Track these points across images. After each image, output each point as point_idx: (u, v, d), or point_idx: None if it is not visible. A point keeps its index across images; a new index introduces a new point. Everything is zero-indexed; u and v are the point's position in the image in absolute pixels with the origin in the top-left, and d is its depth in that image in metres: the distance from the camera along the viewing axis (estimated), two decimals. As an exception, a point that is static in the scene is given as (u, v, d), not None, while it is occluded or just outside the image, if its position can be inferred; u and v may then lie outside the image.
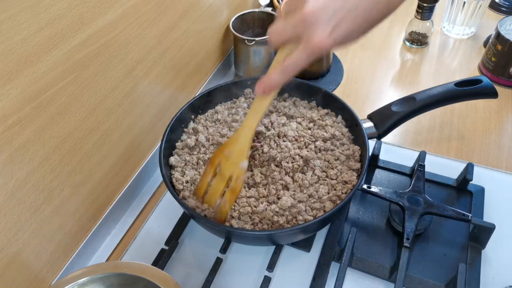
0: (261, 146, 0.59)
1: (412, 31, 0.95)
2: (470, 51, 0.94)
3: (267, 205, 0.54)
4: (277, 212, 0.53)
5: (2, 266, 0.47)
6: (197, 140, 0.62)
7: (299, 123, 0.64)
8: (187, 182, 0.58)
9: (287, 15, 0.39)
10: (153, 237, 0.63)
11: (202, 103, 0.67)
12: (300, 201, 0.54)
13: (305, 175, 0.57)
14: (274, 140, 0.61)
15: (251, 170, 0.58)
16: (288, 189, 0.56)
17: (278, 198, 0.55)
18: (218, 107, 0.68)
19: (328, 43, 0.37)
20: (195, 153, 0.62)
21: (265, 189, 0.56)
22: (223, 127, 0.65)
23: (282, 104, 0.68)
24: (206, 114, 0.68)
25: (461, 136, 0.76)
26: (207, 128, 0.65)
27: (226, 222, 0.53)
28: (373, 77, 0.89)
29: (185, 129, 0.65)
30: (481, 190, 0.65)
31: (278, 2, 0.96)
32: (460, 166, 0.66)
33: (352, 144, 0.62)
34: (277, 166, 0.58)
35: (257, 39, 0.80)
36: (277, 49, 0.45)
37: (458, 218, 0.57)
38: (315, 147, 0.60)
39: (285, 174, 0.57)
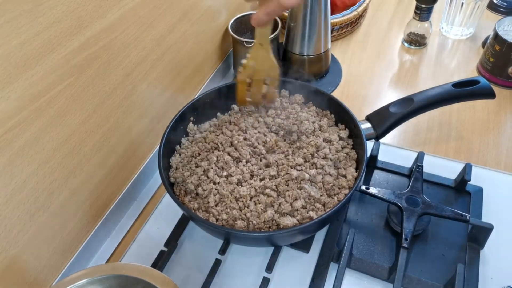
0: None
1: (410, 32, 0.95)
2: (468, 51, 0.95)
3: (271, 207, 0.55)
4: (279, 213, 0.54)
5: (1, 268, 0.47)
6: (197, 140, 0.63)
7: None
8: (184, 181, 0.58)
9: None
10: (152, 239, 0.63)
11: (201, 105, 0.68)
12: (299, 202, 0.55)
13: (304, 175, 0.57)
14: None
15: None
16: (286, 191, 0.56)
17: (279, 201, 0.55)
18: (218, 109, 0.69)
19: (296, 2, 0.49)
20: (196, 154, 0.62)
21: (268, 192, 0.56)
22: (225, 128, 0.65)
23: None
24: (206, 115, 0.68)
25: (459, 136, 0.76)
26: (207, 130, 0.65)
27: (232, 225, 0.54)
28: (371, 78, 0.89)
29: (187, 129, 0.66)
30: (480, 191, 0.65)
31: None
32: (459, 167, 0.66)
33: (350, 145, 0.62)
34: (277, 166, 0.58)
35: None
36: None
37: (456, 218, 0.57)
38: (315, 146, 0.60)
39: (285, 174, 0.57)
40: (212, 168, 0.59)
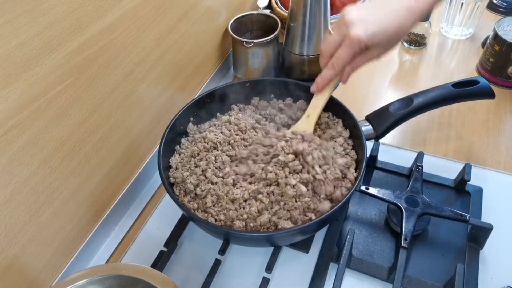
0: None
1: (410, 32, 0.95)
2: (468, 52, 0.95)
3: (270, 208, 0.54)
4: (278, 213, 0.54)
5: (1, 268, 0.47)
6: (203, 139, 0.63)
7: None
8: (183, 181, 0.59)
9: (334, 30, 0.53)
10: (152, 239, 0.63)
11: (201, 105, 0.68)
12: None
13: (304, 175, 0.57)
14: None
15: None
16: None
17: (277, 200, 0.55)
18: (218, 109, 0.69)
19: (362, 35, 0.49)
20: (195, 154, 0.62)
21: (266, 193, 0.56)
22: (225, 128, 0.65)
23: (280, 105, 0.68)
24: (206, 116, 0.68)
25: (459, 136, 0.76)
26: (207, 130, 0.65)
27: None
28: (371, 79, 0.89)
29: (187, 129, 0.66)
30: (479, 191, 0.65)
31: (277, 4, 0.96)
32: (458, 167, 0.66)
33: (350, 145, 0.63)
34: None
35: (255, 41, 0.80)
36: (325, 63, 0.56)
37: (456, 218, 0.57)
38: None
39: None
40: (210, 168, 0.59)
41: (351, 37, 0.49)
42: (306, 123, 0.61)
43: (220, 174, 0.58)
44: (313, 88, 0.58)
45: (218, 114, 0.69)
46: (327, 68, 0.55)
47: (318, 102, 0.61)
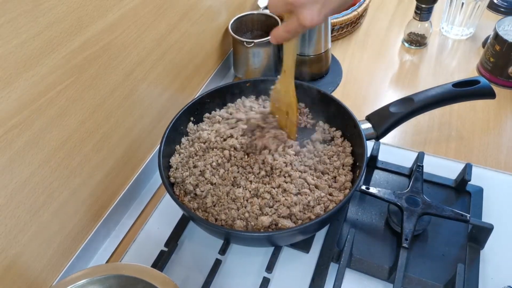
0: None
1: (410, 32, 0.95)
2: (468, 51, 0.95)
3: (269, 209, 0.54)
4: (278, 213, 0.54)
5: (2, 268, 0.47)
6: (199, 140, 0.63)
7: None
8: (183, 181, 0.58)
9: None
10: (153, 239, 0.63)
11: (202, 105, 0.68)
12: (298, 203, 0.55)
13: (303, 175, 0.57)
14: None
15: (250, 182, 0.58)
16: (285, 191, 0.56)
17: (277, 201, 0.55)
18: (218, 109, 0.69)
19: (316, 20, 0.44)
20: (193, 153, 0.62)
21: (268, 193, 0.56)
22: (225, 128, 0.65)
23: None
24: (207, 115, 0.68)
25: (459, 136, 0.76)
26: (207, 129, 0.65)
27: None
28: (371, 78, 0.89)
29: (187, 129, 0.66)
30: (480, 191, 0.65)
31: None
32: (459, 167, 0.66)
33: (348, 145, 0.63)
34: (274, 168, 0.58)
35: (256, 41, 0.80)
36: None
37: (456, 218, 0.57)
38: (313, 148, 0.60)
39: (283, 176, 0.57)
40: (208, 169, 0.59)
41: (304, 23, 0.44)
42: (285, 80, 0.58)
43: (220, 174, 0.58)
44: (272, 40, 0.51)
45: (213, 112, 0.69)
46: (283, 31, 0.49)
47: (289, 57, 0.55)
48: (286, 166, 0.58)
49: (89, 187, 0.59)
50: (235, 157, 0.60)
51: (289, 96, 0.58)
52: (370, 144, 0.65)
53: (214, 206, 0.56)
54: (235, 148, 0.60)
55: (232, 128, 0.64)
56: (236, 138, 0.61)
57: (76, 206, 0.57)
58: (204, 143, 0.62)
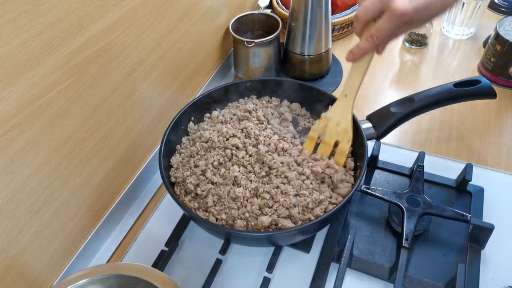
0: None
1: (411, 32, 0.95)
2: (469, 51, 0.94)
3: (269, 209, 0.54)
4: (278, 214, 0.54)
5: (2, 268, 0.47)
6: (200, 139, 0.63)
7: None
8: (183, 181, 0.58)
9: None
10: (153, 238, 0.63)
11: (202, 105, 0.68)
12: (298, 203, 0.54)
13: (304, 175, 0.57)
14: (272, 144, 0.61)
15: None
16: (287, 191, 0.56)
17: (277, 202, 0.55)
18: (218, 108, 0.69)
19: (408, 9, 0.44)
20: (194, 153, 0.62)
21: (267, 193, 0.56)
22: (226, 127, 0.65)
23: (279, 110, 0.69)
24: (208, 115, 0.68)
25: (460, 136, 0.76)
26: (208, 129, 0.65)
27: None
28: (372, 78, 0.89)
29: (188, 129, 0.66)
30: (481, 191, 0.65)
31: (278, 3, 0.96)
32: (460, 167, 0.66)
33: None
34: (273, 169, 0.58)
35: (256, 40, 0.80)
36: (360, 33, 0.51)
37: (457, 218, 0.57)
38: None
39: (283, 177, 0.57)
40: (209, 168, 0.59)
41: (396, 11, 0.44)
42: (343, 106, 0.56)
43: (221, 173, 0.58)
44: (348, 57, 0.52)
45: (213, 112, 0.69)
46: (365, 39, 0.49)
47: (354, 80, 0.55)
48: (283, 166, 0.58)
49: (89, 187, 0.59)
50: (236, 156, 0.60)
51: (346, 122, 0.57)
52: (370, 144, 0.65)
53: (215, 205, 0.56)
54: (237, 147, 0.60)
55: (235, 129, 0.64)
56: (239, 138, 0.61)
57: (77, 206, 0.57)
58: (206, 142, 0.62)
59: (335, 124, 0.59)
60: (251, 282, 0.57)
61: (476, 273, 0.55)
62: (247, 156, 0.60)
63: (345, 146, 0.59)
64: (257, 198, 0.55)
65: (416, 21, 0.46)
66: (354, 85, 0.55)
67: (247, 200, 0.56)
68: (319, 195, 0.55)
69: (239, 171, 0.58)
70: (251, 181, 0.57)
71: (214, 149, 0.61)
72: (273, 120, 0.67)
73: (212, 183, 0.58)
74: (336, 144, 0.60)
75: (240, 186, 0.57)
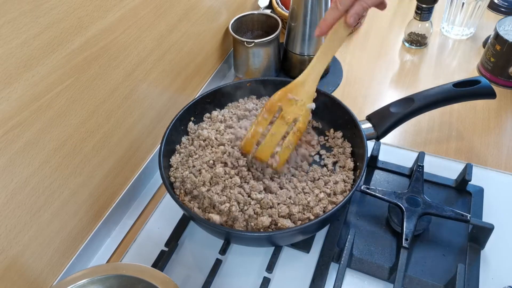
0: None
1: (411, 32, 0.95)
2: (469, 51, 0.94)
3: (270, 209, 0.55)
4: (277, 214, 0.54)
5: (2, 268, 0.47)
6: (198, 138, 0.63)
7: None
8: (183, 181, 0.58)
9: None
10: (153, 238, 0.63)
11: (202, 105, 0.68)
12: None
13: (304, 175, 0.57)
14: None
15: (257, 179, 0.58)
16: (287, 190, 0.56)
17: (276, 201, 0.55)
18: (218, 109, 0.69)
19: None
20: (192, 153, 0.62)
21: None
22: (226, 127, 0.65)
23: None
24: (207, 115, 0.68)
25: (460, 136, 0.76)
26: (208, 129, 0.65)
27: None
28: (372, 78, 0.89)
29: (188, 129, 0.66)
30: (480, 191, 0.65)
31: (277, 4, 0.96)
32: (459, 167, 0.66)
33: (348, 145, 0.63)
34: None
35: (256, 41, 0.80)
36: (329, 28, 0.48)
37: (457, 218, 0.57)
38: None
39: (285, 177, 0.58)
40: (204, 168, 0.59)
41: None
42: (314, 72, 0.53)
43: (215, 172, 0.58)
44: (316, 31, 0.50)
45: (213, 112, 0.69)
46: (330, 8, 0.48)
47: (318, 65, 0.52)
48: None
49: (89, 187, 0.59)
50: (233, 155, 0.59)
51: (309, 91, 0.52)
52: (370, 144, 0.65)
53: (214, 206, 0.56)
54: (234, 146, 0.60)
55: (231, 128, 0.64)
56: (234, 134, 0.62)
57: (77, 206, 0.57)
58: (204, 140, 0.62)
59: (295, 104, 0.54)
60: (251, 282, 0.57)
61: (476, 273, 0.55)
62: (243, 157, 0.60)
63: (304, 115, 0.54)
64: (257, 198, 0.55)
65: None
66: (319, 70, 0.51)
67: (247, 200, 0.55)
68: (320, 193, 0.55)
69: (238, 171, 0.58)
70: (250, 180, 0.57)
71: (211, 147, 0.61)
72: None
73: (210, 183, 0.58)
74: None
75: (240, 186, 0.57)
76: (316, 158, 0.63)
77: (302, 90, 0.53)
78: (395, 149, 0.74)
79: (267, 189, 0.57)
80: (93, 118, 0.56)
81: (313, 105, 0.54)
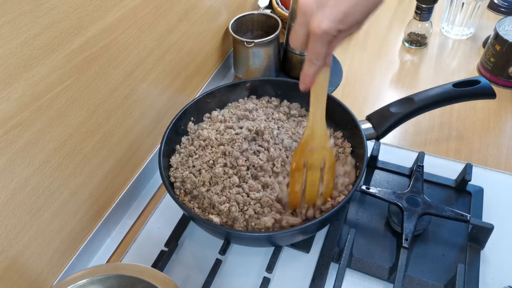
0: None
1: (411, 32, 0.95)
2: (469, 51, 0.95)
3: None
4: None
5: (2, 268, 0.47)
6: (198, 138, 0.63)
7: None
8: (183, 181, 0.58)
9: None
10: (153, 238, 0.63)
11: (202, 105, 0.68)
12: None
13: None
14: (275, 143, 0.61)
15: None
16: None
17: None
18: (218, 108, 0.69)
19: (326, 25, 0.40)
20: (192, 153, 0.62)
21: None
22: (226, 127, 0.65)
23: (278, 110, 0.69)
24: (207, 115, 0.68)
25: (460, 136, 0.76)
26: (208, 129, 0.65)
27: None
28: (372, 78, 0.89)
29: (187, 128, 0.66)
30: (480, 191, 0.65)
31: (277, 4, 0.96)
32: (459, 167, 0.66)
33: (348, 145, 0.63)
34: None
35: (256, 41, 0.80)
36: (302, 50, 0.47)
37: (456, 218, 0.57)
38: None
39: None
40: (203, 168, 0.59)
41: (314, 31, 0.41)
42: (319, 106, 0.53)
43: (215, 171, 0.58)
44: (301, 86, 0.50)
45: (213, 112, 0.69)
46: (307, 64, 0.47)
47: (318, 91, 0.53)
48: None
49: (89, 187, 0.59)
50: (232, 155, 0.60)
51: (322, 126, 0.53)
52: (370, 144, 0.65)
53: (213, 206, 0.56)
54: (234, 145, 0.60)
55: (231, 128, 0.64)
56: (237, 133, 0.62)
57: (77, 206, 0.57)
58: (204, 140, 0.62)
59: (316, 151, 0.54)
60: (251, 282, 0.57)
61: (475, 273, 0.55)
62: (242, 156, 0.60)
63: (332, 161, 0.55)
64: (256, 198, 0.55)
65: (345, 30, 0.42)
66: (322, 113, 0.52)
67: (247, 199, 0.56)
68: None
69: (237, 170, 0.58)
70: (249, 179, 0.57)
71: (211, 147, 0.61)
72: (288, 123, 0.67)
73: (210, 183, 0.58)
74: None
75: (240, 186, 0.57)
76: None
77: (315, 138, 0.54)
78: (395, 149, 0.74)
79: (265, 186, 0.57)
80: (93, 118, 0.56)
81: (332, 142, 0.54)
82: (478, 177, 0.65)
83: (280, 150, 0.60)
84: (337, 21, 0.40)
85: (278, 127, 0.64)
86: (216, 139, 0.62)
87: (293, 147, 0.61)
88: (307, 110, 0.70)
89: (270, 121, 0.65)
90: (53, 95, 0.48)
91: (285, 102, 0.70)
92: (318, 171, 0.55)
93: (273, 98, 0.71)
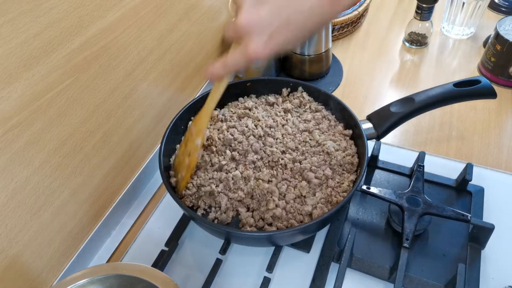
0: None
1: (411, 32, 0.95)
2: (469, 51, 0.94)
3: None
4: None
5: (2, 268, 0.47)
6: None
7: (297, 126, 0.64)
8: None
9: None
10: (153, 238, 0.63)
11: (202, 105, 0.67)
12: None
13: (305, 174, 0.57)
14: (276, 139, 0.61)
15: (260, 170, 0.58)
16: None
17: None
18: (218, 108, 0.69)
19: (263, 53, 0.40)
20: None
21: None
22: (228, 126, 0.65)
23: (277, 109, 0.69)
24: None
25: (460, 136, 0.76)
26: (209, 128, 0.65)
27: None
28: (372, 78, 0.89)
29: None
30: (481, 190, 0.65)
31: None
32: (460, 167, 0.66)
33: (350, 143, 0.62)
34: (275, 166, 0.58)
35: (256, 40, 0.80)
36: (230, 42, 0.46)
37: (457, 218, 0.57)
38: (312, 146, 0.60)
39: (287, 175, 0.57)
40: (203, 167, 0.59)
41: (249, 52, 0.40)
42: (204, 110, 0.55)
43: (218, 171, 0.58)
44: (206, 75, 0.48)
45: (214, 111, 0.69)
46: (220, 64, 0.45)
47: (216, 89, 0.52)
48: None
49: (89, 187, 0.59)
50: (232, 154, 0.60)
51: (199, 135, 0.55)
52: (371, 144, 0.65)
53: (212, 206, 0.56)
54: (236, 139, 0.60)
55: (233, 128, 0.64)
56: (239, 131, 0.62)
57: (77, 206, 0.57)
58: (207, 140, 0.62)
59: (192, 137, 0.58)
60: (251, 282, 0.57)
61: (476, 273, 0.55)
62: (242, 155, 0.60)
63: (191, 159, 0.57)
64: (255, 198, 0.55)
65: (275, 54, 0.42)
66: (210, 108, 0.54)
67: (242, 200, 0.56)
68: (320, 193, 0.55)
69: (237, 170, 0.58)
70: (248, 179, 0.57)
71: (213, 146, 0.61)
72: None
73: (207, 183, 0.58)
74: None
75: (239, 186, 0.57)
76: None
77: (197, 126, 0.57)
78: (395, 148, 0.74)
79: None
80: (93, 117, 0.56)
81: (199, 142, 0.56)
82: (479, 177, 0.65)
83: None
84: (274, 50, 0.41)
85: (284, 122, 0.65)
86: (219, 139, 0.62)
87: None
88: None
89: (274, 117, 0.66)
90: (53, 94, 0.48)
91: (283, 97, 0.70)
92: (186, 156, 0.57)
93: (270, 96, 0.70)
